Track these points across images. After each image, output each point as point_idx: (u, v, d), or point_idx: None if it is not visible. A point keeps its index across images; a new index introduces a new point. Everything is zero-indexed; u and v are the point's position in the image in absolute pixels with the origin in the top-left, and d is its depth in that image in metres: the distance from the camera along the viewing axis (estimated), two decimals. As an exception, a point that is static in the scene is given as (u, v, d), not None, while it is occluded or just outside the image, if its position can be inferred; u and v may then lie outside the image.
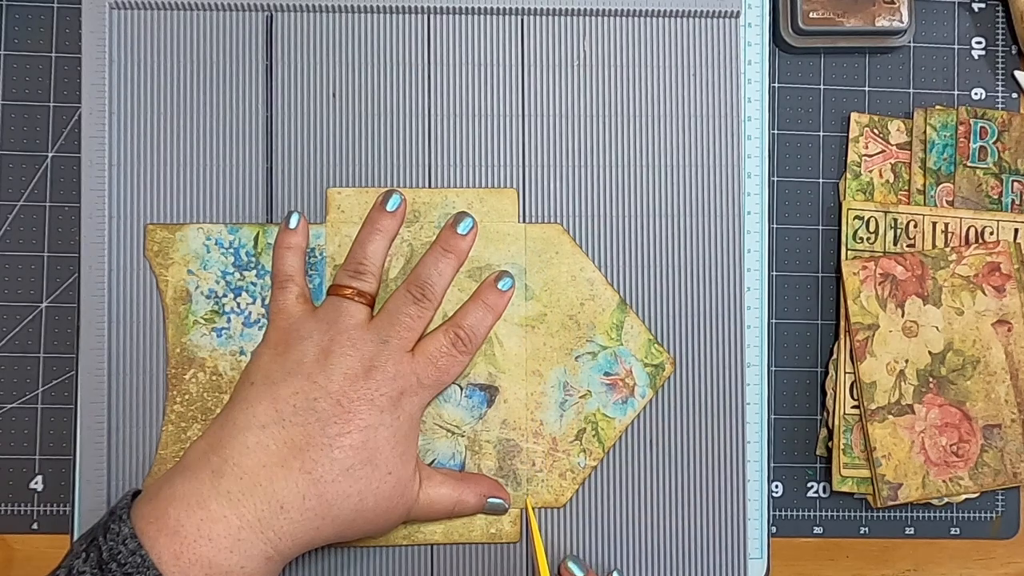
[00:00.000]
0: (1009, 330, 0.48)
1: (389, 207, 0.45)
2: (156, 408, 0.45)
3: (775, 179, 0.50)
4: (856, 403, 0.48)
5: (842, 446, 0.48)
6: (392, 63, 0.47)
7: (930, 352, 0.48)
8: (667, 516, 0.47)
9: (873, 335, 0.48)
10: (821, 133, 0.50)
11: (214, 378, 0.45)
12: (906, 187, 0.50)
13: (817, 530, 0.50)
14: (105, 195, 0.45)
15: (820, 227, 0.50)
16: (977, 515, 0.50)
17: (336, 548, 0.45)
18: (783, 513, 0.50)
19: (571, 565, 0.44)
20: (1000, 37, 0.51)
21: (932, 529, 0.50)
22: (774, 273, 0.50)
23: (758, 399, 0.48)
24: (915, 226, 0.49)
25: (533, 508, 0.46)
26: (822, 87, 0.51)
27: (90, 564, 0.36)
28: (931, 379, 0.48)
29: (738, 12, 0.48)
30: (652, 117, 0.47)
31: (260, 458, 0.38)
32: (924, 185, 0.50)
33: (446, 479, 0.44)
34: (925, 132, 0.50)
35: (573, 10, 0.47)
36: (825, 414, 0.49)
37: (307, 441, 0.39)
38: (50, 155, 0.48)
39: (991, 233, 0.49)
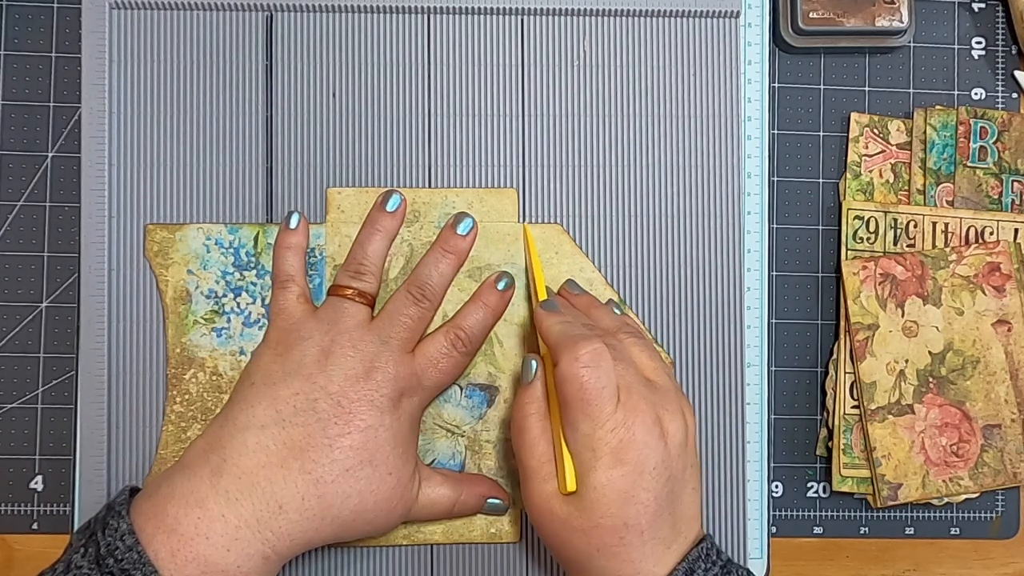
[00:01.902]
0: (1009, 330, 0.48)
1: (389, 207, 0.45)
2: (156, 408, 0.45)
3: (775, 179, 0.50)
4: (856, 403, 0.48)
5: (842, 446, 0.48)
6: (392, 63, 0.47)
7: (930, 352, 0.48)
8: (667, 516, 0.47)
9: (873, 335, 0.48)
10: (821, 133, 0.50)
11: (214, 378, 0.45)
12: (906, 187, 0.50)
13: (817, 530, 0.50)
14: (105, 195, 0.45)
15: (820, 227, 0.50)
16: (977, 515, 0.50)
17: (336, 548, 0.45)
18: (783, 513, 0.50)
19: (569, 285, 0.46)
20: (1000, 37, 0.51)
21: (932, 529, 0.50)
22: (774, 273, 0.50)
23: (758, 399, 0.48)
24: (915, 226, 0.49)
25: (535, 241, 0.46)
26: (822, 87, 0.51)
27: (88, 559, 0.36)
28: (931, 379, 0.48)
29: (738, 12, 0.48)
30: (652, 117, 0.47)
31: (259, 458, 0.38)
32: (924, 185, 0.50)
33: (445, 480, 0.44)
34: (925, 132, 0.50)
35: (573, 10, 0.47)
36: (825, 414, 0.49)
37: (307, 442, 0.39)
38: (50, 155, 0.48)
39: (991, 233, 0.49)
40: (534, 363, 0.41)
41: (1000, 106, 0.51)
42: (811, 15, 0.48)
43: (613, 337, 0.41)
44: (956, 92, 0.51)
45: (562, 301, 0.44)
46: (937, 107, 0.50)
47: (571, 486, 0.38)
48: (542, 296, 0.44)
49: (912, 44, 0.51)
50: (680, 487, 0.39)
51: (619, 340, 0.41)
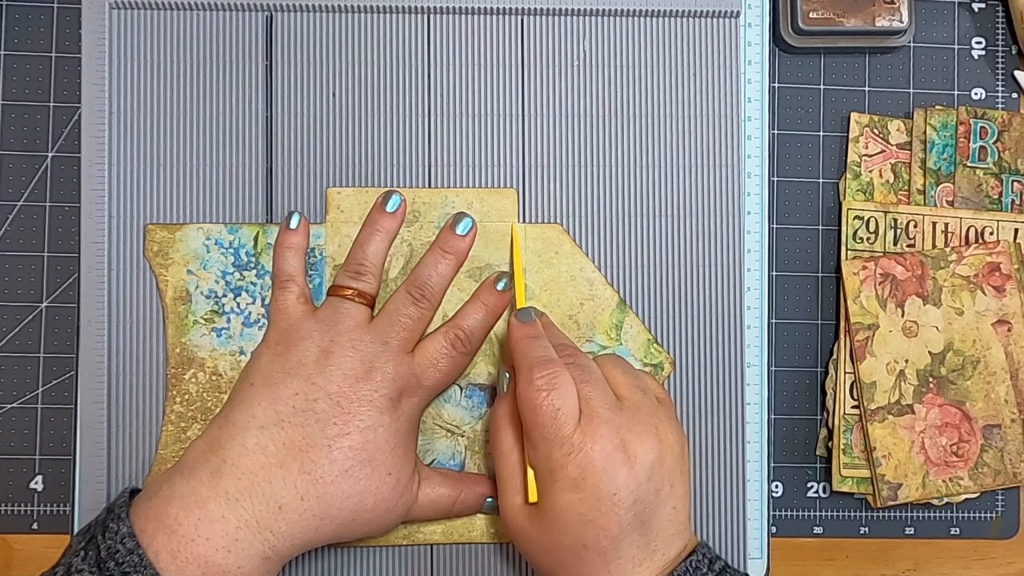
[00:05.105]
0: (1009, 330, 0.48)
1: (389, 207, 0.45)
2: (156, 408, 0.45)
3: (775, 179, 0.50)
4: (856, 403, 0.48)
5: (842, 446, 0.48)
6: (392, 63, 0.47)
7: (930, 352, 0.48)
8: (667, 516, 0.46)
9: (873, 335, 0.48)
10: (821, 133, 0.50)
11: (214, 378, 0.45)
12: (906, 187, 0.50)
13: (817, 530, 0.50)
14: (105, 195, 0.45)
15: (820, 227, 0.50)
16: (977, 515, 0.50)
17: (336, 548, 0.45)
18: (783, 513, 0.50)
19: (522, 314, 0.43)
20: (1000, 37, 0.51)
21: (932, 529, 0.50)
22: (774, 273, 0.50)
23: (758, 399, 0.48)
24: (915, 226, 0.49)
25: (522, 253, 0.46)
26: (822, 87, 0.51)
27: (88, 562, 0.36)
28: (931, 379, 0.48)
29: (738, 12, 0.48)
30: (652, 117, 0.47)
31: (259, 459, 0.38)
32: (924, 185, 0.50)
33: (445, 479, 0.44)
34: (925, 132, 0.50)
35: (573, 10, 0.47)
36: (825, 414, 0.49)
37: (306, 442, 0.39)
38: (50, 155, 0.48)
39: (991, 233, 0.49)
40: (507, 377, 0.42)
41: (1000, 106, 0.51)
42: (811, 15, 0.48)
43: (585, 357, 0.41)
44: (956, 92, 0.51)
45: (545, 319, 0.44)
46: (937, 107, 0.50)
47: (532, 497, 0.39)
48: (520, 303, 0.44)
49: (912, 44, 0.51)
50: (652, 509, 0.38)
51: (592, 358, 0.41)
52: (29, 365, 0.47)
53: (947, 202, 0.50)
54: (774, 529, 0.49)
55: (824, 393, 0.49)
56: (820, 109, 0.50)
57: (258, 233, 0.46)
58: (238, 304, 0.46)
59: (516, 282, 0.45)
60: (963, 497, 0.49)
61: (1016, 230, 0.49)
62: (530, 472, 0.39)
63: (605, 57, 0.47)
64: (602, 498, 0.37)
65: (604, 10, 0.47)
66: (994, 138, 0.50)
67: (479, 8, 0.47)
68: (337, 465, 0.39)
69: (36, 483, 0.47)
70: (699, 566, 0.38)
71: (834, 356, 0.49)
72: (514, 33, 0.47)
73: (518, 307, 0.44)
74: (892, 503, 0.48)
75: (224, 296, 0.46)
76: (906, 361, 0.48)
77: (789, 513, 0.50)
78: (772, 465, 0.49)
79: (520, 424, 0.40)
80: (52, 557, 0.38)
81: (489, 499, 0.45)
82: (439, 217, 0.46)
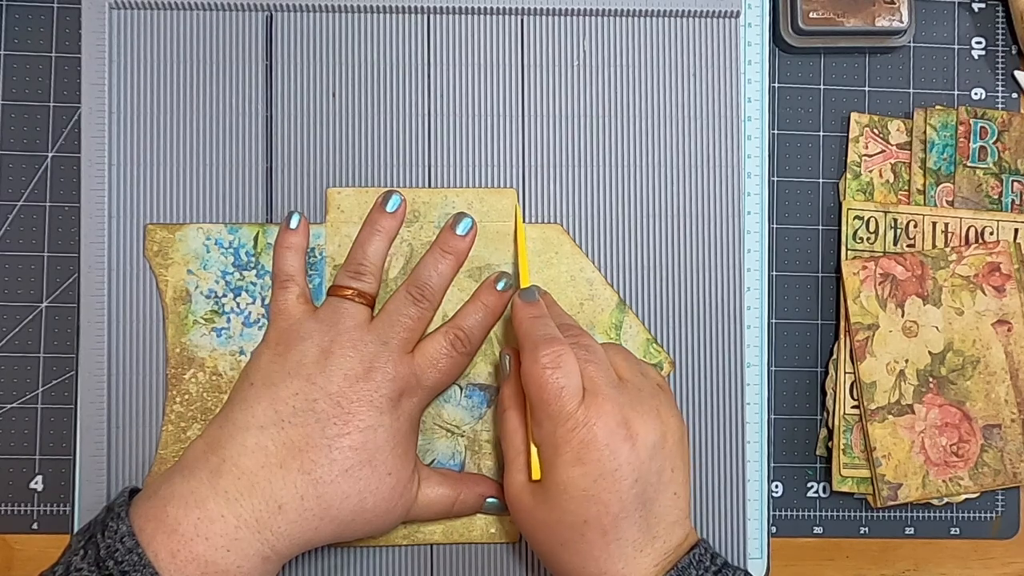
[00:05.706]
0: (1009, 330, 0.48)
1: (389, 208, 0.45)
2: (156, 408, 0.45)
3: (775, 179, 0.50)
4: (856, 403, 0.48)
5: (842, 446, 0.48)
6: (392, 63, 0.47)
7: (930, 352, 0.48)
8: (667, 516, 0.46)
9: (873, 335, 0.48)
10: (821, 133, 0.50)
11: (214, 378, 0.45)
12: (906, 187, 0.50)
13: (817, 530, 0.50)
14: (105, 195, 0.45)
15: (820, 227, 0.50)
16: (977, 515, 0.50)
17: (336, 548, 0.45)
18: (783, 513, 0.50)
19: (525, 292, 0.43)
20: (1000, 37, 0.51)
21: (932, 529, 0.50)
22: (774, 273, 0.50)
23: (758, 399, 0.48)
24: (915, 226, 0.49)
25: (523, 219, 0.47)
26: (822, 87, 0.51)
27: (87, 561, 0.36)
28: (931, 379, 0.48)
29: (738, 12, 0.48)
30: (652, 117, 0.47)
31: (259, 459, 0.38)
32: (924, 185, 0.50)
33: (444, 479, 0.44)
34: (925, 132, 0.50)
35: (573, 10, 0.47)
36: (825, 414, 0.49)
37: (306, 442, 0.39)
38: (50, 155, 0.48)
39: (991, 233, 0.49)
40: (507, 359, 0.43)
41: (1000, 106, 0.51)
42: (811, 15, 0.48)
43: (588, 337, 0.41)
44: (956, 92, 0.51)
45: (548, 298, 0.44)
46: (937, 107, 0.50)
47: (535, 475, 0.39)
48: (524, 283, 0.44)
49: (912, 44, 0.51)
50: (654, 491, 0.38)
51: (595, 339, 0.41)
52: (29, 365, 0.47)
53: (947, 202, 0.50)
54: (774, 529, 0.49)
55: (824, 393, 0.49)
56: (820, 109, 0.50)
57: (258, 233, 0.46)
58: (238, 304, 0.46)
59: (520, 261, 0.45)
60: (963, 497, 0.49)
61: (1016, 230, 0.49)
62: (533, 449, 0.40)
63: (605, 57, 0.47)
64: (604, 473, 0.37)
65: (604, 10, 0.47)
66: (994, 138, 0.50)
67: (479, 8, 0.47)
68: (337, 465, 0.39)
69: (36, 483, 0.47)
70: (702, 559, 0.38)
71: (834, 356, 0.49)
72: (514, 33, 0.47)
73: (522, 286, 0.44)
74: (892, 503, 0.48)
75: (224, 296, 0.46)
76: (906, 361, 0.48)
77: (789, 513, 0.50)
78: (772, 465, 0.49)
79: (524, 404, 0.41)
80: (52, 557, 0.38)
81: (489, 499, 0.45)
82: (439, 217, 0.46)
